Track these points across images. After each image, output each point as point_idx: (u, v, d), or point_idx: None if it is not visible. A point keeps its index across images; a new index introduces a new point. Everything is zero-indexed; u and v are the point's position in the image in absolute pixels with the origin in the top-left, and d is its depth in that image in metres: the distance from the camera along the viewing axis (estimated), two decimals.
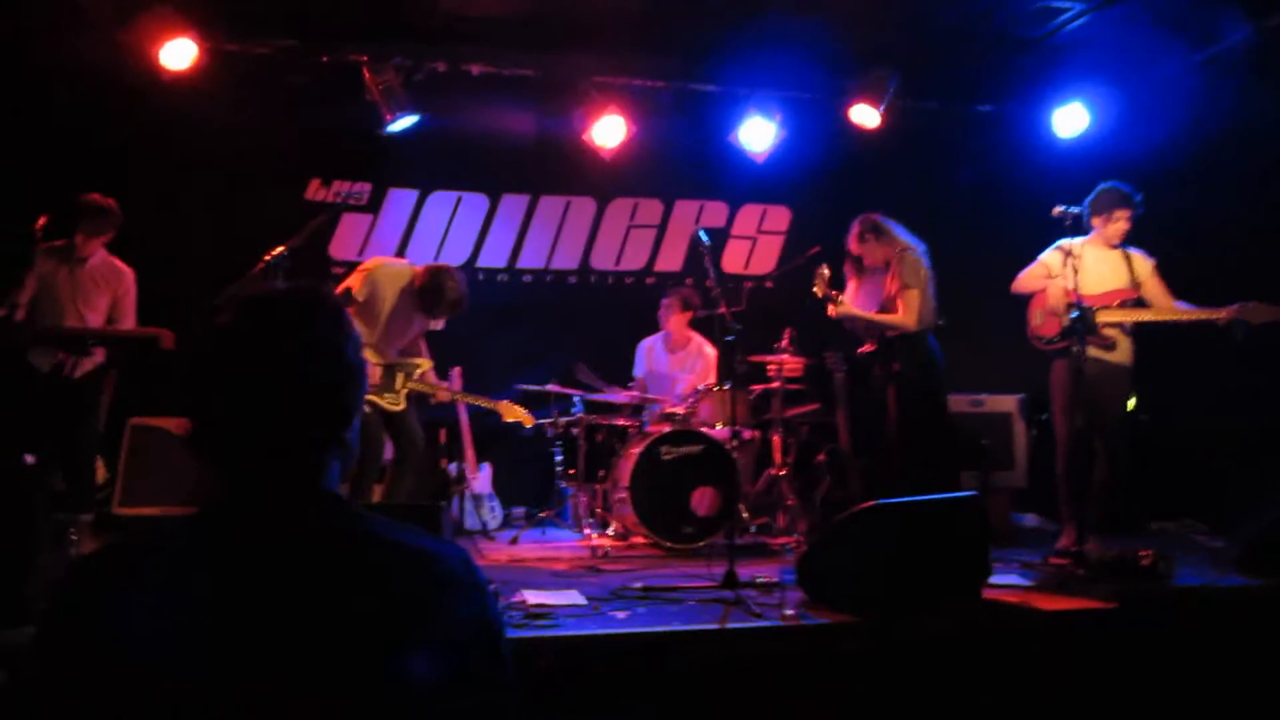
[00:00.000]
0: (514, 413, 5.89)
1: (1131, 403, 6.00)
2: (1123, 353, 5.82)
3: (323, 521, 1.30)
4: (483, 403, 5.92)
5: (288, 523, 1.28)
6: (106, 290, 5.76)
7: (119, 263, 5.87)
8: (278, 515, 1.28)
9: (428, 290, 5.43)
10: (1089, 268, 5.79)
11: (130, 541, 1.28)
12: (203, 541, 1.26)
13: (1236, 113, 6.59)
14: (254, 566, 1.23)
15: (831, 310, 5.77)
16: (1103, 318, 5.76)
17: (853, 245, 5.99)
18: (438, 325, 5.71)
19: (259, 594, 1.21)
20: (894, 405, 5.78)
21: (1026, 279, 6.08)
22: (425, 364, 5.65)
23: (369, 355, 5.41)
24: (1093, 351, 5.72)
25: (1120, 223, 5.84)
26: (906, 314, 5.69)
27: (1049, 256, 5.97)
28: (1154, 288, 5.82)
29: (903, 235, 5.91)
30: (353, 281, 5.43)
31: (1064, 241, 5.76)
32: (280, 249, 4.69)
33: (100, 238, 5.71)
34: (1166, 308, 5.76)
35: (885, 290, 5.90)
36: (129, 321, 5.84)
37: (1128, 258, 5.87)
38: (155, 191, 6.71)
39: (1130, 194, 5.84)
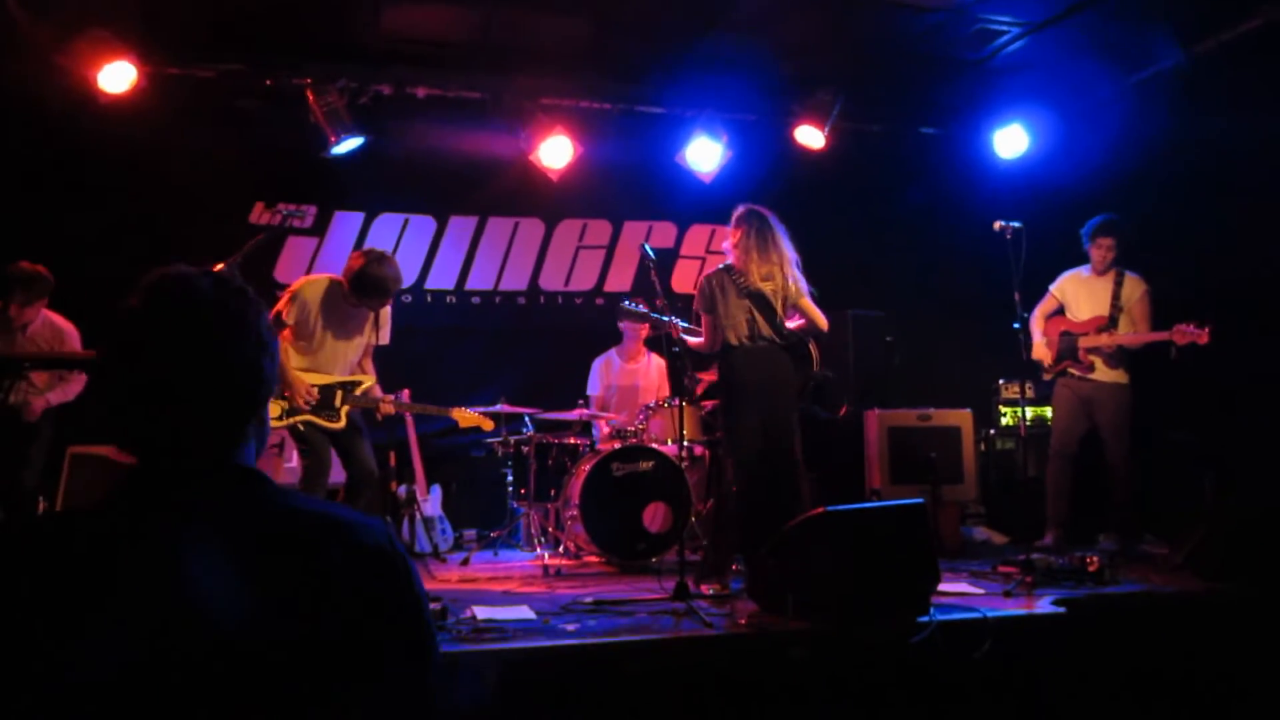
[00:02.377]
0: (468, 418, 5.76)
1: None
2: (1108, 373, 6.24)
3: (240, 495, 1.28)
4: (434, 411, 5.79)
5: (204, 497, 1.26)
6: (55, 345, 5.75)
7: (60, 320, 5.90)
8: (193, 491, 1.26)
9: (355, 272, 5.19)
10: (1081, 296, 6.38)
11: (36, 525, 1.24)
12: (116, 521, 1.23)
13: (1169, 134, 6.78)
14: (169, 543, 1.20)
15: (675, 334, 5.37)
16: (1082, 344, 6.28)
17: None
18: (384, 339, 5.60)
19: (175, 571, 1.18)
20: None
21: (1039, 312, 6.54)
22: (368, 380, 5.52)
23: (312, 377, 5.32)
24: (1080, 373, 6.29)
25: (1101, 250, 6.28)
26: (706, 338, 5.35)
27: (1055, 287, 6.44)
28: (1136, 311, 6.25)
29: (750, 243, 5.35)
30: (280, 305, 5.32)
31: (1068, 273, 6.34)
32: (219, 266, 4.63)
33: (35, 305, 5.75)
34: (1129, 331, 6.20)
35: None
36: (76, 381, 5.90)
37: (1119, 283, 6.27)
38: (94, 216, 6.62)
39: (1113, 222, 6.28)
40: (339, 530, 1.27)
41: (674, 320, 5.39)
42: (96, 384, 1.40)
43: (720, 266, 5.41)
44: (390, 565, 1.28)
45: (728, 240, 5.50)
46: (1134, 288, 6.26)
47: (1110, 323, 6.21)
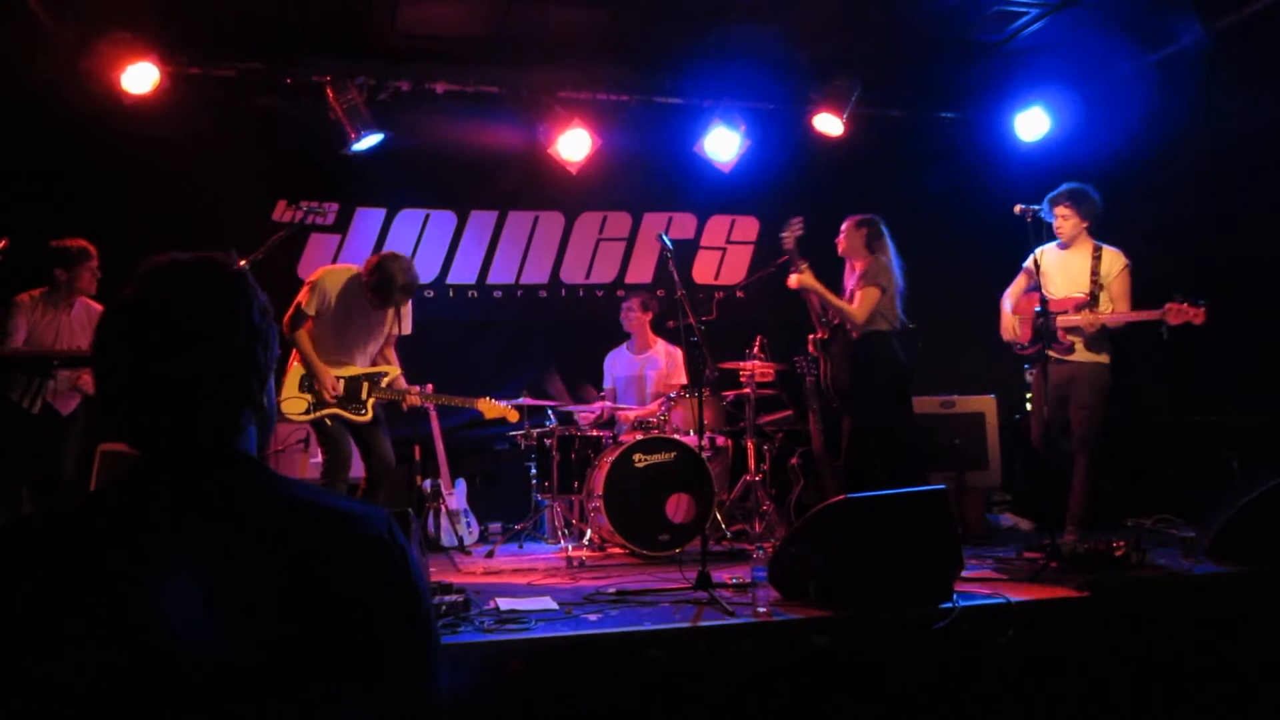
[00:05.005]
0: (494, 409, 5.85)
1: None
2: (1088, 354, 5.91)
3: (238, 483, 1.29)
4: (459, 402, 5.86)
5: (201, 486, 1.27)
6: (89, 332, 5.81)
7: (97, 306, 5.97)
8: (191, 479, 1.27)
9: (375, 280, 5.28)
10: (1055, 272, 5.99)
11: (39, 516, 1.26)
12: (117, 510, 1.24)
13: (1190, 112, 6.70)
14: (168, 531, 1.21)
15: (794, 279, 5.90)
16: (1060, 322, 5.91)
17: (847, 226, 6.07)
18: (406, 329, 5.65)
19: (173, 558, 1.19)
20: (847, 404, 5.91)
21: (1011, 291, 6.27)
22: (393, 371, 5.58)
23: (335, 370, 5.38)
24: (1059, 354, 5.91)
25: (1060, 221, 5.98)
26: (860, 307, 5.82)
27: (1028, 263, 6.04)
28: (1116, 288, 5.90)
29: (889, 249, 6.04)
30: (301, 296, 5.38)
31: (1039, 248, 5.88)
32: (241, 263, 4.68)
33: (80, 279, 5.81)
34: (1112, 310, 5.86)
35: (846, 285, 6.07)
36: None
37: (1097, 258, 5.94)
38: (119, 216, 6.68)
39: (1074, 192, 5.99)
40: (337, 519, 1.28)
41: (805, 263, 5.93)
42: (94, 373, 1.41)
43: (889, 258, 5.97)
44: (387, 554, 1.28)
45: (854, 235, 6.03)
46: (1113, 263, 5.90)
47: (1091, 300, 5.87)
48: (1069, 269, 6.00)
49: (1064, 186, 6.04)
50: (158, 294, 1.31)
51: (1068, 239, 6.01)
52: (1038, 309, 5.67)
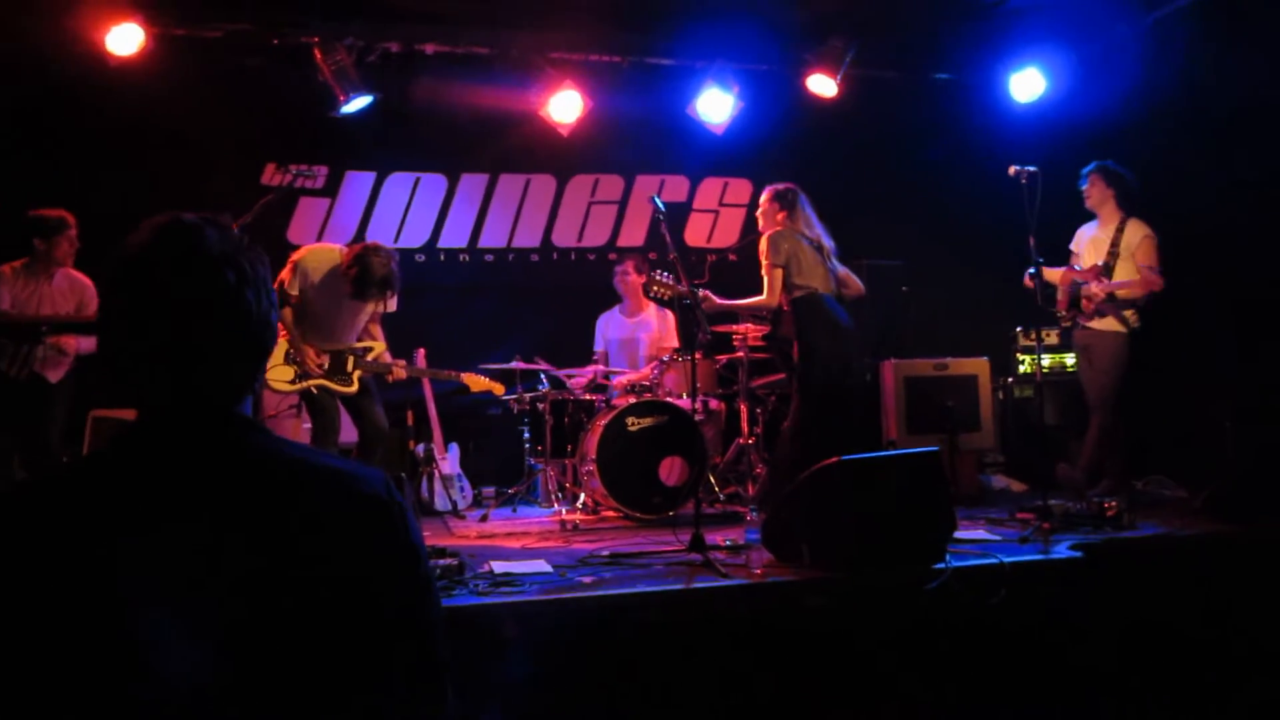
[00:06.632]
0: (480, 383, 5.86)
1: None
2: (1102, 321, 6.12)
3: (239, 442, 1.27)
4: (445, 376, 5.88)
5: (204, 446, 1.25)
6: (73, 302, 5.76)
7: (79, 275, 5.90)
8: (194, 440, 1.25)
9: (354, 274, 5.17)
10: (1088, 246, 6.32)
11: (42, 478, 1.25)
12: (119, 469, 1.23)
13: (1189, 73, 6.64)
14: (169, 489, 1.20)
15: (705, 306, 5.58)
16: (1083, 292, 6.19)
17: (765, 197, 6.01)
18: (391, 307, 5.62)
19: (174, 517, 1.18)
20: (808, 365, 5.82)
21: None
22: (378, 346, 5.56)
23: (321, 345, 5.36)
24: (1084, 322, 6.22)
25: (1088, 188, 6.28)
26: (768, 294, 5.73)
27: (1073, 243, 6.44)
28: (1139, 257, 6.06)
29: (801, 219, 5.87)
30: (284, 275, 5.31)
31: (1082, 226, 6.34)
32: (234, 226, 4.63)
33: (59, 248, 5.72)
34: (1120, 280, 6.07)
35: None
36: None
37: (1119, 231, 6.15)
38: (105, 179, 6.60)
39: (1097, 166, 6.26)
40: (335, 479, 1.27)
41: (706, 292, 5.69)
42: (100, 332, 1.36)
43: (782, 229, 5.79)
44: (386, 514, 1.28)
45: (769, 210, 5.91)
46: (1134, 233, 6.08)
47: (1105, 270, 6.10)
48: (1097, 242, 6.26)
49: (1099, 161, 6.28)
50: (168, 252, 1.27)
51: (1093, 207, 6.28)
52: (1072, 280, 6.17)
